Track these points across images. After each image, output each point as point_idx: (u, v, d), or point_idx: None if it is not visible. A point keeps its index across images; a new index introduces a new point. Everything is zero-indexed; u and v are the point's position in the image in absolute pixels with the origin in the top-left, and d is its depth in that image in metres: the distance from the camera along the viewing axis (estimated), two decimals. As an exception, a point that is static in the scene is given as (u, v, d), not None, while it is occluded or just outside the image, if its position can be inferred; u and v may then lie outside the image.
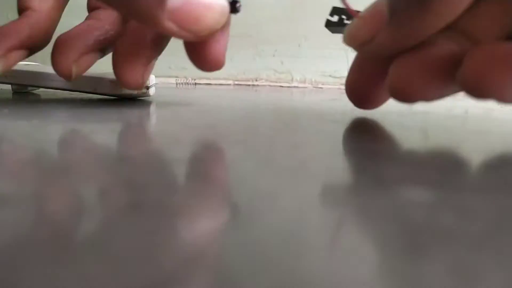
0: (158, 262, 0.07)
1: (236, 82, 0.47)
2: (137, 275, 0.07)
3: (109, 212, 0.09)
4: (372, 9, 0.18)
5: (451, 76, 0.16)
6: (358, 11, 0.18)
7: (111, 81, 0.26)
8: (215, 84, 0.46)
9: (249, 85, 0.47)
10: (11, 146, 0.15)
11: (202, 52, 0.20)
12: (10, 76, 0.28)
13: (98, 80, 0.27)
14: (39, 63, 0.31)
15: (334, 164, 0.14)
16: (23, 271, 0.07)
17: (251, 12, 0.46)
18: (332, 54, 0.46)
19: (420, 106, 0.31)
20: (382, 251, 0.08)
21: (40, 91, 0.32)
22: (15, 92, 0.32)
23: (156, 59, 0.23)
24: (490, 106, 0.31)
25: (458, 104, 0.33)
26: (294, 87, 0.47)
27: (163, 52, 0.25)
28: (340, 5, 0.19)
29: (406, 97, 0.18)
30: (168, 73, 0.46)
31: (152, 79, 0.28)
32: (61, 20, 0.46)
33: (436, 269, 0.07)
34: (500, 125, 0.24)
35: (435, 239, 0.08)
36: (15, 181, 0.11)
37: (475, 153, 0.17)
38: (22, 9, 0.25)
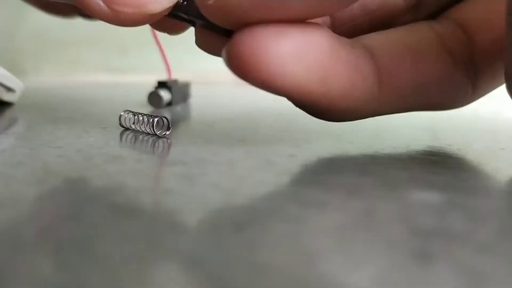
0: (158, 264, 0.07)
1: (236, 80, 0.47)
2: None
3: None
4: None
5: None
6: None
7: None
8: (214, 82, 0.46)
9: (248, 82, 0.47)
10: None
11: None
12: None
13: None
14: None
15: (336, 164, 0.14)
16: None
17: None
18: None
19: None
20: (387, 254, 0.08)
21: None
22: None
23: None
24: (500, 106, 0.31)
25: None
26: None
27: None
28: None
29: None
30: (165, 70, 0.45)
31: (13, 82, 0.23)
32: (61, 20, 0.45)
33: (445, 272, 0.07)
34: (509, 125, 0.23)
35: (443, 241, 0.08)
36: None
37: (484, 153, 0.16)
38: None
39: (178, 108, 0.26)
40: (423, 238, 0.08)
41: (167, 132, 0.16)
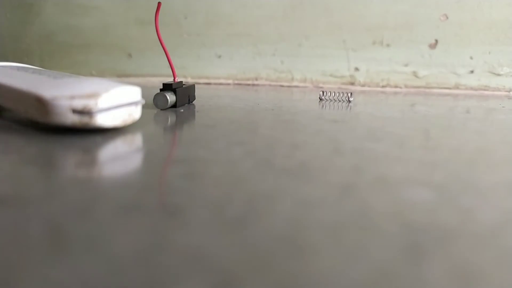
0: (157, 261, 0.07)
1: (236, 82, 0.47)
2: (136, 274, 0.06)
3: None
4: None
5: None
6: None
7: (37, 99, 0.17)
8: (215, 84, 0.46)
9: (249, 84, 0.47)
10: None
11: None
12: None
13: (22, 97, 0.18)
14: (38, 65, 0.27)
15: (333, 163, 0.14)
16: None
17: (251, 11, 0.46)
18: (332, 54, 0.45)
19: (422, 106, 0.31)
20: (383, 250, 0.08)
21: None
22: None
23: None
24: (491, 106, 0.31)
25: (460, 104, 0.32)
26: (295, 86, 0.46)
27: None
28: None
29: None
30: (168, 72, 0.46)
31: (112, 95, 0.17)
32: (59, 20, 0.46)
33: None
34: (500, 126, 0.24)
35: (436, 237, 0.08)
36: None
37: (476, 153, 0.17)
38: None
39: (181, 110, 0.26)
40: (417, 233, 0.08)
41: (352, 99, 0.31)
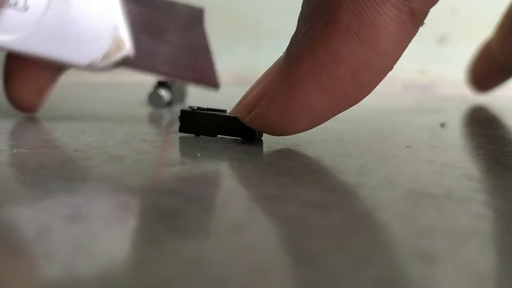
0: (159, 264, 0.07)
1: (235, 78, 0.47)
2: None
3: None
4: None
5: None
6: None
7: None
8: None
9: (249, 81, 0.47)
10: None
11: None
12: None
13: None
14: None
15: (336, 164, 0.14)
16: None
17: (251, 3, 0.45)
18: (334, 49, 0.45)
19: (431, 103, 0.30)
20: (388, 254, 0.08)
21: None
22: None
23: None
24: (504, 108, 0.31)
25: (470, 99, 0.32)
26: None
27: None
28: None
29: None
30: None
31: None
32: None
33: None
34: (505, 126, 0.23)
35: (446, 241, 0.08)
36: None
37: (487, 153, 0.16)
38: None
39: (178, 108, 0.26)
40: (425, 237, 0.08)
41: None
